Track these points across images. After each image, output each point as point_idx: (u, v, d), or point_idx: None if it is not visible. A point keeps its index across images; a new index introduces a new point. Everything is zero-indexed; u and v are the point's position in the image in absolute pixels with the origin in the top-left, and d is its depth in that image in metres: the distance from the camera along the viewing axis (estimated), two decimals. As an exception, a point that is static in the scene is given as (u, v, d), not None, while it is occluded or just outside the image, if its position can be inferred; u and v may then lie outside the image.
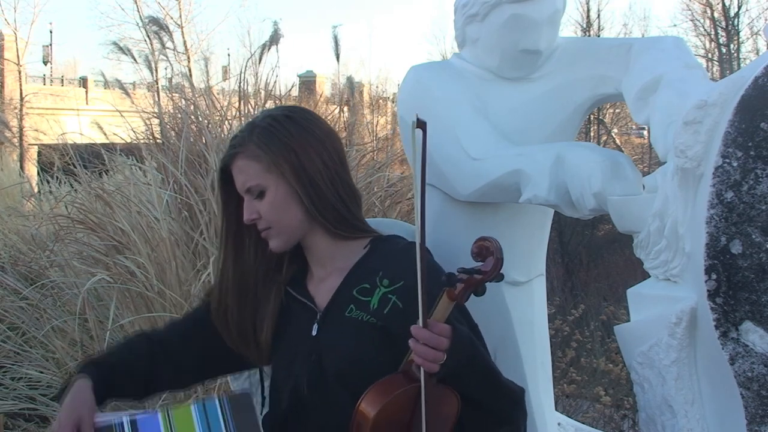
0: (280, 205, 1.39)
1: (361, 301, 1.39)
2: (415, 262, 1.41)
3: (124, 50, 7.26)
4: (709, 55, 24.21)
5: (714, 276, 1.24)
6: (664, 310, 1.35)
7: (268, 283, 1.49)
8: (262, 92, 5.62)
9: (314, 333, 1.41)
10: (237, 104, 5.26)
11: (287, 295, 1.48)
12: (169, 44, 6.88)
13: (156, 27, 6.70)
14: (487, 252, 1.19)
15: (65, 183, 6.49)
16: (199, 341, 1.51)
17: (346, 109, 7.36)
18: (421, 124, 1.18)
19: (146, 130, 5.60)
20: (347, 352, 1.36)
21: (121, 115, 5.92)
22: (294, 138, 1.40)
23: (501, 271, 1.19)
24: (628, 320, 1.50)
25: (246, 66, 5.56)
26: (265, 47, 5.90)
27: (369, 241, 1.46)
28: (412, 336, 1.19)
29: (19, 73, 21.91)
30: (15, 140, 15.48)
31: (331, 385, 1.37)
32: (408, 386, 1.20)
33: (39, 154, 14.64)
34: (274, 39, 6.00)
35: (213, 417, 1.28)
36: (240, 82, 5.24)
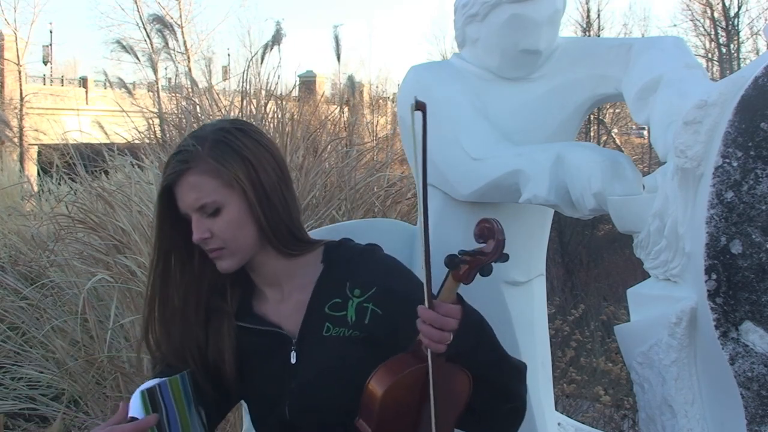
0: (237, 222, 1.32)
1: (335, 317, 1.35)
2: (381, 262, 1.40)
3: (127, 49, 7.25)
4: (709, 55, 24.24)
5: (714, 276, 1.24)
6: (664, 310, 1.35)
7: (213, 316, 1.41)
8: (263, 92, 5.63)
9: (293, 361, 1.36)
10: (239, 104, 5.28)
11: (239, 329, 1.40)
12: (172, 43, 6.89)
13: (160, 25, 6.70)
14: (489, 233, 1.19)
15: (66, 183, 6.49)
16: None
17: (346, 109, 7.36)
18: (420, 106, 1.16)
19: (148, 130, 5.62)
20: (334, 372, 1.32)
21: (127, 115, 5.93)
22: (250, 151, 1.33)
23: (504, 252, 1.19)
24: (628, 320, 1.50)
25: (248, 66, 5.57)
26: (267, 47, 5.90)
27: (323, 253, 1.41)
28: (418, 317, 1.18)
29: (19, 73, 21.95)
30: (16, 140, 15.49)
31: (318, 409, 1.33)
32: (416, 366, 1.20)
33: (39, 154, 14.65)
34: (277, 39, 6.00)
35: (188, 386, 1.37)
36: (242, 82, 5.25)
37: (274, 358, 1.38)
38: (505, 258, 1.20)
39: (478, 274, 1.20)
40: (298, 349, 1.37)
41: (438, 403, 1.18)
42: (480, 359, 1.26)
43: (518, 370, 1.35)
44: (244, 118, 4.85)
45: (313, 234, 1.56)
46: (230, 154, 1.32)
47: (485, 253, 1.19)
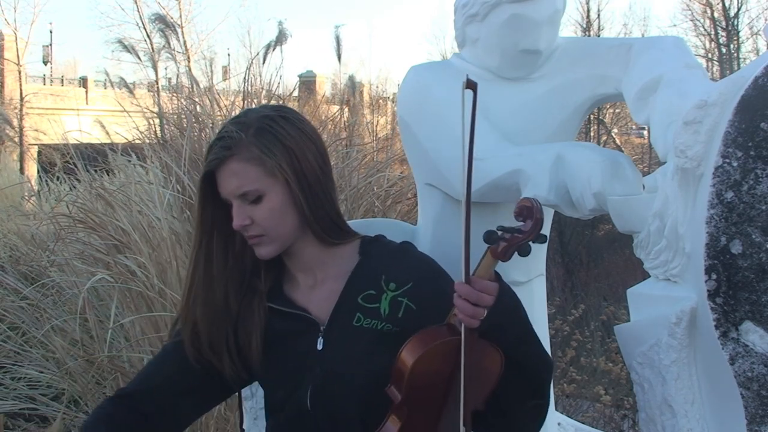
0: (279, 211, 1.33)
1: (368, 308, 1.35)
2: (418, 259, 1.41)
3: (128, 49, 7.25)
4: (709, 55, 24.26)
5: (714, 276, 1.24)
6: (664, 310, 1.35)
7: (246, 293, 1.42)
8: (263, 92, 5.63)
9: (320, 347, 1.36)
10: (240, 104, 5.28)
11: (269, 310, 1.41)
12: (174, 42, 6.89)
13: (162, 25, 6.69)
14: (528, 212, 1.18)
15: (66, 182, 6.50)
16: (180, 382, 1.41)
17: (346, 109, 7.36)
18: (471, 85, 1.16)
19: (148, 129, 5.62)
20: (359, 362, 1.32)
21: (129, 114, 5.94)
22: (294, 140, 1.34)
23: (542, 232, 1.18)
24: (628, 320, 1.50)
25: (250, 66, 5.58)
26: (269, 47, 5.90)
27: (359, 245, 1.43)
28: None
29: (19, 73, 21.94)
30: (16, 139, 15.49)
31: (339, 399, 1.33)
32: (448, 338, 1.20)
33: (39, 154, 14.65)
34: (280, 39, 5.99)
35: None
36: (244, 82, 5.26)
37: (300, 343, 1.38)
38: (543, 239, 1.19)
39: (516, 253, 1.19)
40: (325, 336, 1.37)
41: (468, 378, 1.18)
42: (511, 338, 1.25)
43: (548, 363, 1.34)
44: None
45: None
46: (274, 143, 1.32)
47: (523, 232, 1.18)
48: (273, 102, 5.68)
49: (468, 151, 1.19)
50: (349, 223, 1.48)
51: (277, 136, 1.33)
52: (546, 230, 1.93)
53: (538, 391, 1.31)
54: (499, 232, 1.18)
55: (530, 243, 1.18)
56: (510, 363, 1.25)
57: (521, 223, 1.19)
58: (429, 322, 1.26)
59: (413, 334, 1.23)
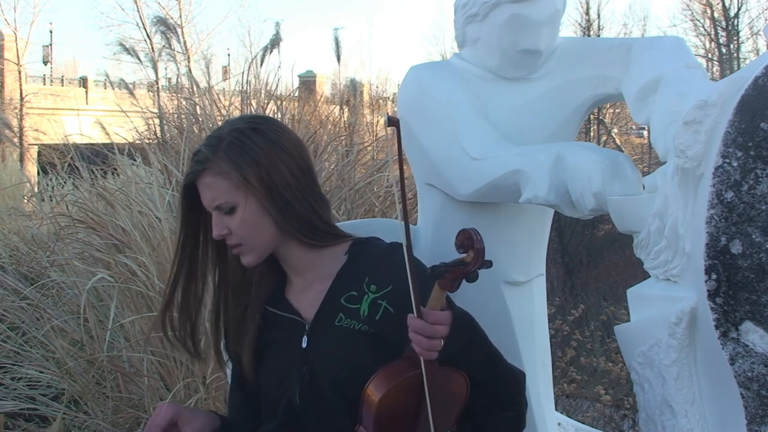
0: (251, 221, 1.36)
1: (349, 309, 1.37)
2: (402, 263, 1.41)
3: (129, 51, 7.27)
4: (709, 55, 24.28)
5: (714, 276, 1.24)
6: (664, 310, 1.35)
7: (239, 302, 1.47)
8: (262, 93, 5.63)
9: (304, 345, 1.40)
10: (239, 105, 5.28)
11: (267, 314, 1.46)
12: (174, 43, 6.91)
13: (164, 27, 6.70)
14: (468, 243, 1.21)
15: (66, 182, 6.50)
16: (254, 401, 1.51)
17: (346, 109, 7.36)
18: (393, 122, 1.21)
19: (147, 130, 5.62)
20: (340, 361, 1.35)
21: (126, 115, 5.94)
22: (262, 152, 1.36)
23: (486, 259, 1.21)
24: (628, 320, 1.50)
25: (248, 67, 5.59)
26: (266, 50, 5.93)
27: (349, 246, 1.44)
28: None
29: (19, 73, 21.94)
30: (15, 140, 15.50)
31: (325, 396, 1.35)
32: (411, 372, 1.23)
33: (39, 154, 14.64)
34: (275, 42, 6.03)
35: None
36: (242, 84, 5.27)
37: (288, 343, 1.42)
38: (488, 264, 1.21)
39: (464, 281, 1.21)
40: (309, 335, 1.40)
41: (435, 406, 1.20)
42: (472, 361, 1.28)
43: (515, 376, 1.37)
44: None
45: None
46: (241, 157, 1.36)
47: (466, 263, 1.21)
48: (272, 102, 5.68)
49: (401, 185, 1.26)
50: (348, 223, 1.49)
51: (244, 149, 1.36)
52: (546, 230, 1.94)
53: (509, 404, 1.35)
54: (443, 267, 1.21)
55: (476, 271, 1.21)
56: (476, 383, 1.28)
57: (463, 255, 1.21)
58: (405, 327, 1.27)
59: (376, 371, 1.25)
